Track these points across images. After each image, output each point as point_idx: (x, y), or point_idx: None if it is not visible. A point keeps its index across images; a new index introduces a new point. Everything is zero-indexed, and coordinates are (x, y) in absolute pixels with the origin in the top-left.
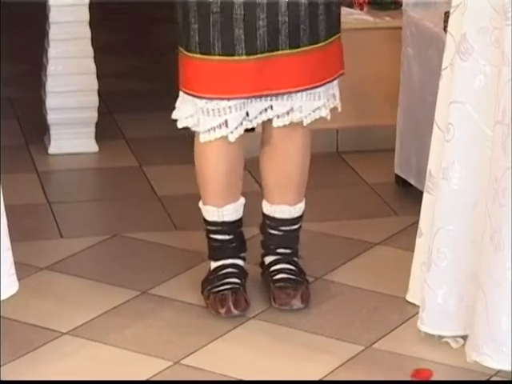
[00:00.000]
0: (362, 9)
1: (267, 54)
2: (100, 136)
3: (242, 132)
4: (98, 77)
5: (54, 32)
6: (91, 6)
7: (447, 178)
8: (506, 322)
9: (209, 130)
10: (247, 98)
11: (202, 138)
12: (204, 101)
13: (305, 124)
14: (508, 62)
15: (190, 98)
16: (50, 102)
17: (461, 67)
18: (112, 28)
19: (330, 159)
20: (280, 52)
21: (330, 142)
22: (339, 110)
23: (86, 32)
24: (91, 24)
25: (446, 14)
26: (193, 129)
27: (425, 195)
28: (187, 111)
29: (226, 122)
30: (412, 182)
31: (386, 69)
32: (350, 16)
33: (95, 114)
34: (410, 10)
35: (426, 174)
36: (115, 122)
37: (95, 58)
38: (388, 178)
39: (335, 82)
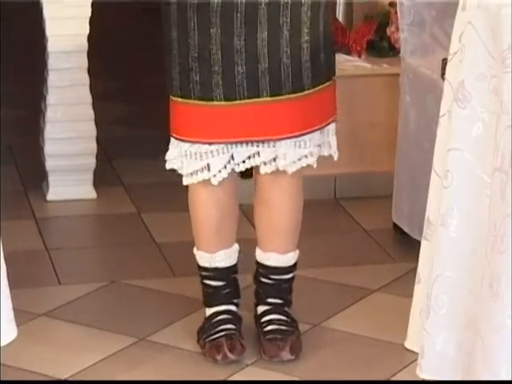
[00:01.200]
0: (359, 55)
1: (248, 101)
2: (98, 182)
3: (226, 175)
4: (97, 123)
5: (53, 79)
6: (90, 53)
7: (446, 225)
8: (506, 372)
9: (191, 174)
10: (230, 143)
11: (185, 180)
12: (187, 144)
13: (289, 172)
14: (507, 110)
15: (176, 140)
16: (49, 148)
17: (459, 114)
18: (110, 75)
19: (328, 206)
20: (261, 99)
21: (327, 188)
22: (335, 158)
23: (85, 79)
24: (90, 71)
25: (444, 61)
26: (179, 171)
27: (423, 242)
28: (174, 153)
29: (208, 165)
30: (406, 229)
31: (384, 115)
32: (347, 63)
33: (93, 161)
34: (408, 56)
35: (418, 221)
36: (113, 168)
37: (94, 104)
38: (386, 224)
39: (330, 130)
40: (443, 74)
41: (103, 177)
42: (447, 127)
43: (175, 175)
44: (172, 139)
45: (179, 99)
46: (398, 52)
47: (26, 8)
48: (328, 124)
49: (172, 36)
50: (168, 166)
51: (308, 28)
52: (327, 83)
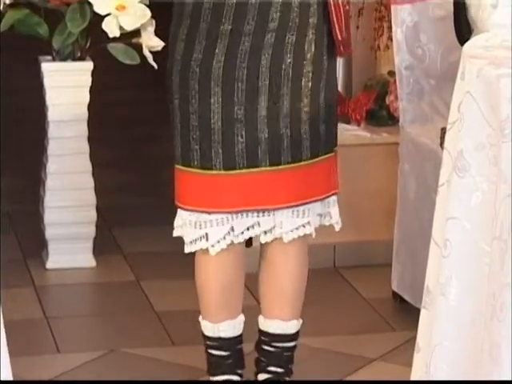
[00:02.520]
0: (359, 124)
1: (247, 170)
2: (98, 250)
3: (224, 246)
4: (96, 191)
5: (53, 147)
6: (90, 122)
7: (445, 294)
8: None
9: (191, 242)
10: (229, 213)
11: (186, 248)
12: (188, 212)
13: (285, 241)
14: (505, 179)
15: (178, 208)
16: (48, 217)
17: (458, 184)
18: (110, 143)
19: (328, 274)
20: (260, 169)
21: (327, 257)
22: (336, 229)
23: (85, 147)
24: (89, 138)
25: (443, 130)
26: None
27: (422, 311)
28: (179, 221)
29: (206, 235)
30: (406, 297)
31: (383, 184)
32: (346, 132)
33: (93, 229)
34: (407, 125)
35: (420, 289)
36: (113, 236)
37: (93, 172)
38: (385, 293)
39: (331, 201)
40: (442, 143)
41: (103, 245)
42: (446, 196)
43: (174, 243)
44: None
45: (180, 167)
46: (397, 121)
47: (26, 78)
48: (329, 196)
49: (174, 104)
50: (175, 233)
51: (308, 99)
52: (327, 155)
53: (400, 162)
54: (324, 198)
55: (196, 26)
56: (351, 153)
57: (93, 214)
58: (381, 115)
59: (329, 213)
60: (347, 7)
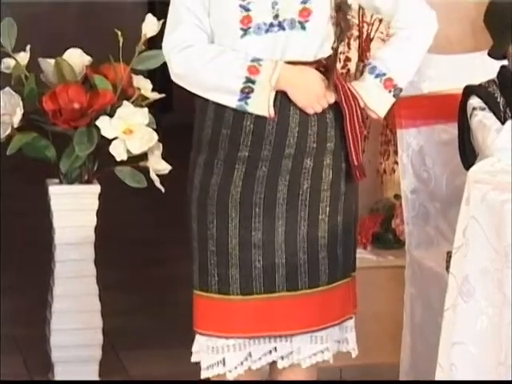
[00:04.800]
0: (365, 247)
1: (264, 295)
2: (104, 373)
3: (241, 372)
4: (103, 314)
5: (60, 270)
6: (96, 244)
7: None
8: None
9: (207, 367)
10: (247, 338)
11: (202, 374)
12: (204, 338)
13: (303, 366)
14: (509, 305)
15: (196, 334)
16: (55, 339)
17: (463, 308)
18: (116, 265)
19: None
20: (277, 294)
21: (333, 379)
22: (353, 355)
23: (92, 270)
24: (96, 261)
25: (449, 254)
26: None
27: None
28: (195, 347)
29: (223, 360)
30: None
31: (389, 307)
32: None
33: (99, 352)
34: (413, 249)
35: None
36: (119, 358)
37: (100, 295)
38: None
39: (348, 327)
40: (448, 266)
41: (108, 367)
42: (452, 321)
43: (179, 366)
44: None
45: (199, 292)
46: (403, 244)
47: (34, 200)
48: (346, 320)
49: (193, 229)
50: (193, 358)
51: (326, 224)
52: (345, 279)
53: (406, 285)
54: (342, 322)
55: (214, 153)
56: (357, 276)
57: (99, 337)
58: (387, 238)
59: (346, 339)
60: (364, 130)
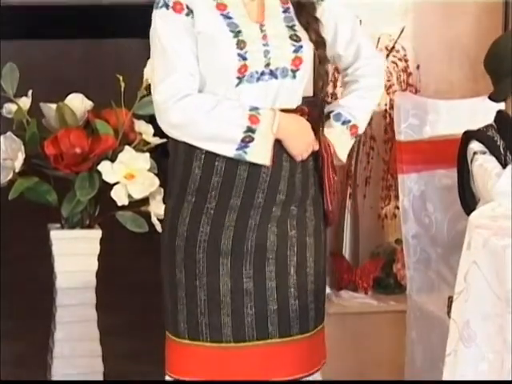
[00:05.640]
0: (366, 292)
1: (256, 342)
2: None
3: None
4: (104, 359)
5: (61, 314)
6: (97, 288)
7: None
8: None
9: None
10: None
11: None
12: None
13: None
14: (510, 350)
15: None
16: None
17: (464, 353)
18: (118, 310)
19: None
20: (269, 341)
21: None
22: None
23: (93, 314)
24: (97, 306)
25: (450, 299)
26: None
27: None
28: None
29: None
30: None
31: (390, 353)
32: (354, 300)
33: None
34: (414, 294)
35: None
36: None
37: (101, 339)
38: None
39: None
40: (449, 311)
41: None
42: (453, 366)
43: None
44: (169, 381)
45: (187, 341)
46: (405, 289)
47: (35, 244)
48: (322, 366)
49: (176, 278)
50: None
51: (313, 270)
52: (320, 326)
53: (407, 330)
54: (319, 369)
55: (203, 201)
56: (359, 321)
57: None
58: (388, 283)
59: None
60: (335, 177)
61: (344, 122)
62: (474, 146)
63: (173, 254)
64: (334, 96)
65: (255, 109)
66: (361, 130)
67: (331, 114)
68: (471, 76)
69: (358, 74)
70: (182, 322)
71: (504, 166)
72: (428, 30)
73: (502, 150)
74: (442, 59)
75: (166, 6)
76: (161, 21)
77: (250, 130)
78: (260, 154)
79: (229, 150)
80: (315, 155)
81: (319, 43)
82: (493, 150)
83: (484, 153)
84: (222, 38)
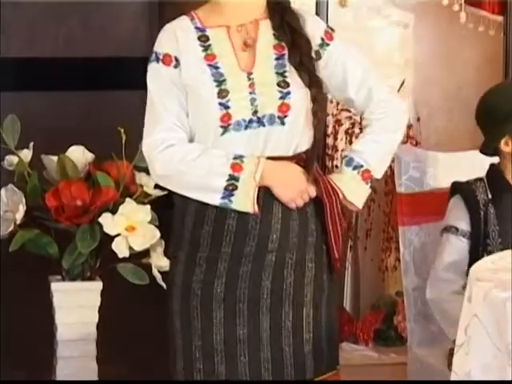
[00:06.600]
0: (367, 344)
1: None
2: None
3: None
4: None
5: (62, 366)
6: (98, 340)
7: None
8: None
9: None
10: None
11: None
12: None
13: None
14: None
15: None
16: None
17: None
18: (119, 361)
19: None
20: None
21: None
22: None
23: (93, 367)
24: (98, 357)
25: (451, 352)
26: None
27: None
28: None
29: None
30: None
31: None
32: (354, 352)
33: None
34: (415, 346)
35: None
36: None
37: None
38: None
39: None
40: (450, 364)
41: None
42: None
43: None
44: None
45: None
46: (405, 341)
47: (36, 296)
48: None
49: (175, 327)
50: None
51: (310, 318)
52: (330, 373)
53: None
54: None
55: (196, 249)
56: (360, 373)
57: None
58: (389, 335)
59: None
60: (344, 223)
61: (355, 167)
62: (452, 216)
63: (171, 304)
64: (335, 148)
65: (240, 157)
66: (377, 174)
67: (343, 160)
68: (471, 128)
69: (372, 118)
70: (179, 369)
71: (484, 220)
72: (428, 81)
73: (481, 205)
74: (443, 111)
75: (157, 59)
76: (150, 75)
77: (233, 178)
78: (244, 202)
79: (214, 199)
80: (317, 201)
81: (312, 82)
82: (470, 204)
83: (456, 231)
84: (204, 89)
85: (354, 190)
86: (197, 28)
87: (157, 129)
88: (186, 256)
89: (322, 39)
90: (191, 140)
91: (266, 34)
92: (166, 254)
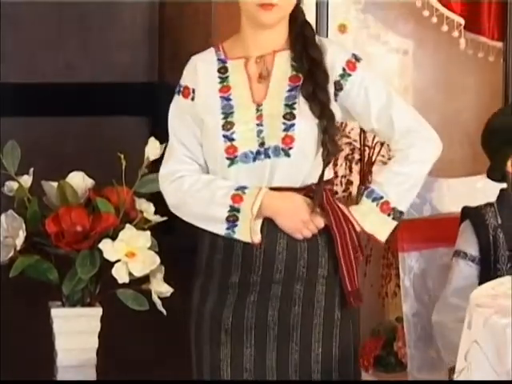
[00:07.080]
0: (367, 371)
1: None
2: None
3: None
4: None
5: None
6: (98, 365)
7: None
8: None
9: None
10: None
11: None
12: None
13: None
14: None
15: None
16: None
17: None
18: None
19: None
20: None
21: None
22: None
23: None
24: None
25: (451, 370)
26: None
27: None
28: None
29: None
30: None
31: None
32: None
33: None
34: (415, 372)
35: None
36: None
37: None
38: None
39: None
40: None
41: None
42: None
43: None
44: None
45: None
46: (406, 367)
47: (36, 322)
48: None
49: (192, 350)
50: None
51: (319, 351)
52: None
53: None
54: None
55: (209, 278)
56: None
57: None
58: (389, 361)
59: None
60: (359, 255)
61: (375, 199)
62: (461, 241)
63: (188, 332)
64: (334, 174)
65: (242, 188)
66: (399, 206)
67: (365, 191)
68: (471, 153)
69: (396, 148)
70: None
71: (494, 244)
72: (427, 107)
73: (491, 229)
74: (442, 137)
75: (179, 91)
76: (172, 106)
77: (233, 209)
78: (246, 232)
79: (220, 229)
80: (329, 232)
81: (323, 114)
82: (478, 229)
83: (465, 256)
84: (211, 121)
85: (372, 222)
86: (219, 60)
87: (170, 161)
88: (200, 284)
89: (344, 69)
90: (206, 171)
91: (281, 66)
92: (167, 280)
